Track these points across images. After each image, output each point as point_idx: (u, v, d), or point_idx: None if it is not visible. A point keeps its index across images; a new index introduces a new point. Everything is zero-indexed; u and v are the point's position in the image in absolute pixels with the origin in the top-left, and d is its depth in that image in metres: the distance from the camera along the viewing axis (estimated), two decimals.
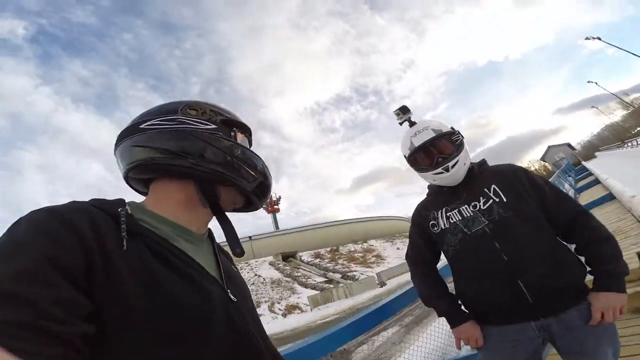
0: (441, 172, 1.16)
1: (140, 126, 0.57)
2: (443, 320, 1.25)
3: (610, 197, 5.47)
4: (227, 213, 0.65)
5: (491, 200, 1.10)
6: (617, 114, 43.71)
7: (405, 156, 1.31)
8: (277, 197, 30.24)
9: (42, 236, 0.38)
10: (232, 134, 0.65)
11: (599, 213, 4.91)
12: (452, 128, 1.25)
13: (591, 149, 41.40)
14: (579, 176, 13.17)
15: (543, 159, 58.88)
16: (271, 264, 34.21)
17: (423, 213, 1.27)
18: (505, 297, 1.01)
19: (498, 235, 1.05)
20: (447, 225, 1.17)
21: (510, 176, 1.16)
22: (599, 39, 22.11)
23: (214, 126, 0.62)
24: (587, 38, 22.91)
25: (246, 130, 0.70)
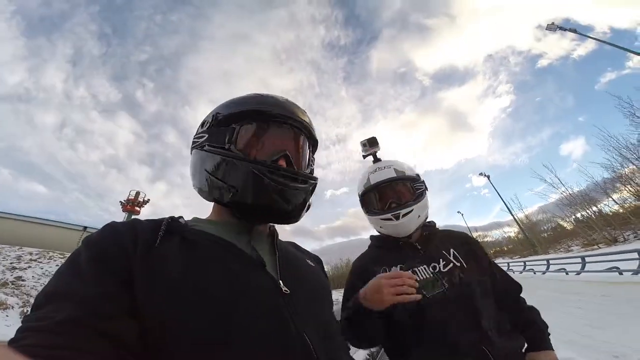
0: (390, 219, 1.09)
1: None
2: None
3: None
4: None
5: (451, 264, 1.04)
6: None
7: (359, 194, 1.23)
8: (146, 199, 23.37)
9: (90, 246, 0.46)
10: (230, 134, 0.60)
11: None
12: (418, 175, 1.19)
13: None
14: None
15: None
16: None
17: (372, 268, 1.08)
18: None
19: (457, 300, 0.97)
20: None
21: (469, 243, 1.14)
22: (488, 177, 25.65)
23: (205, 136, 0.62)
24: (481, 174, 26.42)
25: (249, 115, 0.62)
